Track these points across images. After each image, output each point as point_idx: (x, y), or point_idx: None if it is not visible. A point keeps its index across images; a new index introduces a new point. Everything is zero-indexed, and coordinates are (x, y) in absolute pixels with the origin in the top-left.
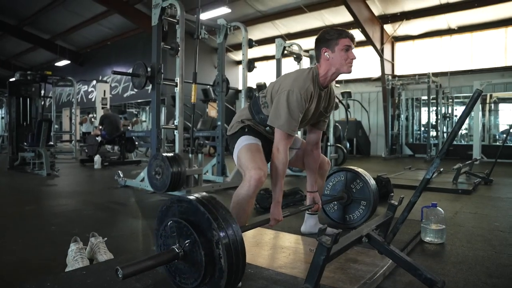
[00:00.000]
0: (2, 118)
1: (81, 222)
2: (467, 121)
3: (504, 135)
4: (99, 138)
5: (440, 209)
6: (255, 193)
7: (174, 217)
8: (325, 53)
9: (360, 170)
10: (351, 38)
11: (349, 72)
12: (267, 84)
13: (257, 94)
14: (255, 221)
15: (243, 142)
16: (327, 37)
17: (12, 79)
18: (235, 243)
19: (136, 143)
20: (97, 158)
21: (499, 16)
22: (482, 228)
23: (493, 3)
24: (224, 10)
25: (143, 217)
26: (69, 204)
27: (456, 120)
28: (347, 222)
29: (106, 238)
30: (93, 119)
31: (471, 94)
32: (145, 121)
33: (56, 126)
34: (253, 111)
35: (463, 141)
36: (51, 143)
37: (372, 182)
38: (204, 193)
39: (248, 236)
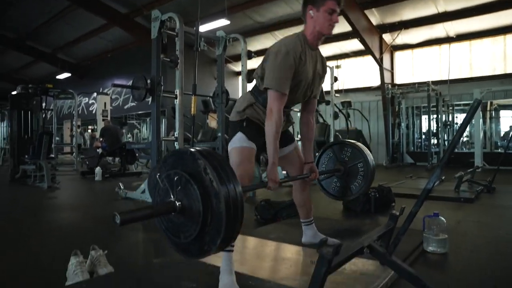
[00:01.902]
0: (4, 132)
1: (82, 235)
2: (468, 129)
3: (506, 142)
4: (99, 150)
5: (442, 218)
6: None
7: (177, 168)
8: (310, 11)
9: (343, 140)
10: (338, 1)
11: (330, 34)
12: None
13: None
14: (256, 234)
15: (237, 142)
16: None
17: (14, 93)
18: (235, 200)
19: (137, 154)
20: (98, 170)
21: (497, 24)
22: (485, 237)
23: (491, 11)
24: (223, 22)
25: (144, 230)
26: (70, 217)
27: (457, 128)
28: (353, 191)
29: (106, 251)
30: (88, 130)
31: (471, 102)
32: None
33: (57, 138)
34: (255, 93)
35: (464, 149)
36: (52, 155)
37: (359, 144)
38: (206, 147)
39: (249, 248)
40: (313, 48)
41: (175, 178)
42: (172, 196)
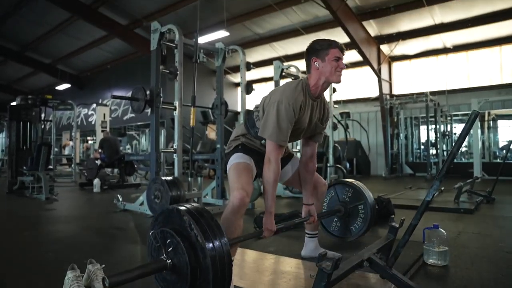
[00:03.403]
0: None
1: (79, 248)
2: (467, 139)
3: (504, 151)
4: (98, 162)
5: (442, 230)
6: (240, 214)
7: (164, 227)
8: (315, 63)
9: (345, 180)
10: (341, 48)
11: (339, 81)
12: None
13: (254, 108)
14: (254, 246)
15: (234, 160)
16: (317, 47)
17: (13, 103)
18: (222, 255)
19: (136, 166)
20: (96, 181)
21: (493, 35)
22: (486, 249)
23: (486, 23)
24: (222, 33)
25: (142, 242)
26: (67, 230)
27: (455, 138)
28: (353, 232)
29: (104, 265)
30: (72, 143)
31: (469, 112)
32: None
33: (56, 149)
34: (248, 125)
35: (463, 159)
36: (51, 166)
37: (360, 185)
38: (195, 204)
39: (248, 262)
40: (313, 98)
41: (166, 238)
42: (164, 254)
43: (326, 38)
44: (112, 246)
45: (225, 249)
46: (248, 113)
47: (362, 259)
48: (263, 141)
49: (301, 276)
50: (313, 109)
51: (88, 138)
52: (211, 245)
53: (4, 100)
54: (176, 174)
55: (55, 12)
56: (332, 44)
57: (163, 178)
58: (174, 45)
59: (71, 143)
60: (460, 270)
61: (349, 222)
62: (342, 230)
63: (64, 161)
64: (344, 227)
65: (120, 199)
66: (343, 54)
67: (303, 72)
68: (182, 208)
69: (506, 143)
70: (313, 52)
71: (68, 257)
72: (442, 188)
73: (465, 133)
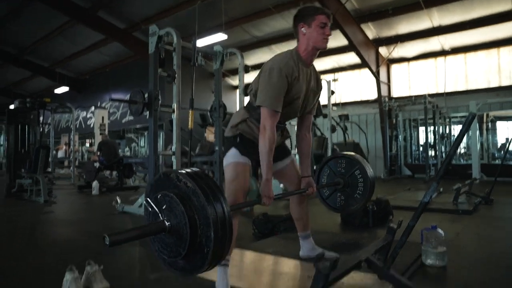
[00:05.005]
0: (1, 145)
1: (77, 251)
2: (465, 140)
3: (502, 152)
4: (97, 164)
5: (441, 231)
6: (234, 214)
7: (163, 190)
8: (302, 28)
9: (335, 154)
10: (328, 14)
11: (324, 47)
12: None
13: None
14: (253, 248)
15: (231, 159)
16: (304, 13)
17: (11, 107)
18: (223, 219)
19: (134, 168)
20: (95, 184)
21: (490, 37)
22: (484, 250)
23: (484, 25)
24: (220, 36)
25: (140, 244)
26: (66, 232)
27: (454, 140)
28: (357, 200)
29: (102, 266)
30: (76, 147)
31: (468, 114)
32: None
33: (54, 152)
34: (249, 108)
35: (462, 160)
36: (49, 169)
37: (351, 153)
38: (195, 168)
39: (247, 262)
40: (306, 65)
41: (164, 201)
42: (161, 217)
43: (312, 5)
44: (110, 248)
45: (226, 209)
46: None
47: (360, 260)
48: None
49: (299, 277)
50: (308, 77)
51: (87, 141)
52: (212, 207)
53: (2, 104)
54: None
55: (54, 16)
56: (318, 10)
57: None
58: (172, 48)
59: (64, 147)
60: (459, 271)
61: (352, 192)
62: (348, 201)
63: (66, 163)
64: (349, 197)
65: (119, 201)
66: (330, 21)
67: None
68: (179, 171)
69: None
70: (300, 18)
71: (66, 258)
72: (441, 189)
73: (462, 134)
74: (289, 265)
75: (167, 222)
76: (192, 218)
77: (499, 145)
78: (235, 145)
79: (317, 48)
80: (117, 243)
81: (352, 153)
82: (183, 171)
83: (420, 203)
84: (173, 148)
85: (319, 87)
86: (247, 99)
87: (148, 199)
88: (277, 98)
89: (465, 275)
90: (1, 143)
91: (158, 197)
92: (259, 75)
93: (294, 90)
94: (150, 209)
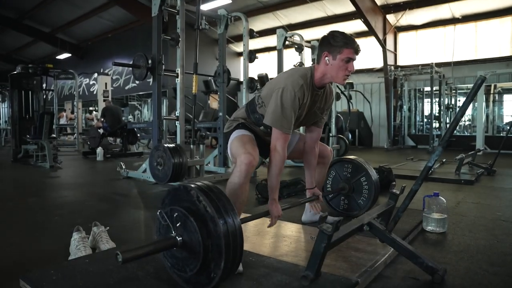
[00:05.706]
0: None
1: (84, 213)
2: (470, 112)
3: (509, 127)
4: (101, 130)
5: (442, 198)
6: (247, 178)
7: (174, 205)
8: (326, 58)
9: (342, 157)
10: (356, 50)
11: (342, 84)
12: (269, 75)
13: (256, 92)
14: (256, 212)
15: (236, 134)
16: (333, 42)
17: (14, 72)
18: (234, 233)
19: (138, 135)
20: (99, 150)
21: (504, 4)
22: (484, 217)
23: None
24: (225, 0)
25: (145, 208)
26: (72, 196)
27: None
28: (361, 206)
29: (108, 228)
30: (71, 114)
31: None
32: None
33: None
34: (249, 110)
35: (466, 132)
36: (54, 135)
37: (358, 159)
38: (206, 182)
39: (250, 225)
40: (318, 89)
41: (174, 215)
42: (173, 232)
43: (344, 35)
44: (115, 210)
45: (236, 222)
46: (254, 88)
47: (362, 223)
48: (261, 127)
49: (301, 240)
50: (315, 98)
51: (90, 108)
52: (221, 218)
53: (4, 70)
54: (178, 141)
55: None
56: (348, 43)
57: (165, 145)
58: (176, 11)
59: (64, 114)
60: (457, 237)
61: (356, 197)
62: (351, 206)
63: (69, 130)
64: (353, 203)
65: (123, 166)
66: (356, 55)
67: (307, 41)
68: (190, 185)
69: (511, 117)
70: (326, 46)
71: (73, 221)
72: (444, 160)
73: (470, 98)
74: (291, 229)
75: (179, 237)
76: (204, 233)
77: (504, 118)
78: (238, 128)
79: (334, 82)
80: (129, 260)
81: (360, 159)
82: (205, 189)
83: (425, 167)
84: (177, 113)
85: (326, 107)
86: (251, 65)
87: (159, 212)
88: (289, 120)
89: (463, 240)
90: (5, 110)
91: (170, 210)
92: (271, 87)
93: (300, 109)
94: (162, 223)
